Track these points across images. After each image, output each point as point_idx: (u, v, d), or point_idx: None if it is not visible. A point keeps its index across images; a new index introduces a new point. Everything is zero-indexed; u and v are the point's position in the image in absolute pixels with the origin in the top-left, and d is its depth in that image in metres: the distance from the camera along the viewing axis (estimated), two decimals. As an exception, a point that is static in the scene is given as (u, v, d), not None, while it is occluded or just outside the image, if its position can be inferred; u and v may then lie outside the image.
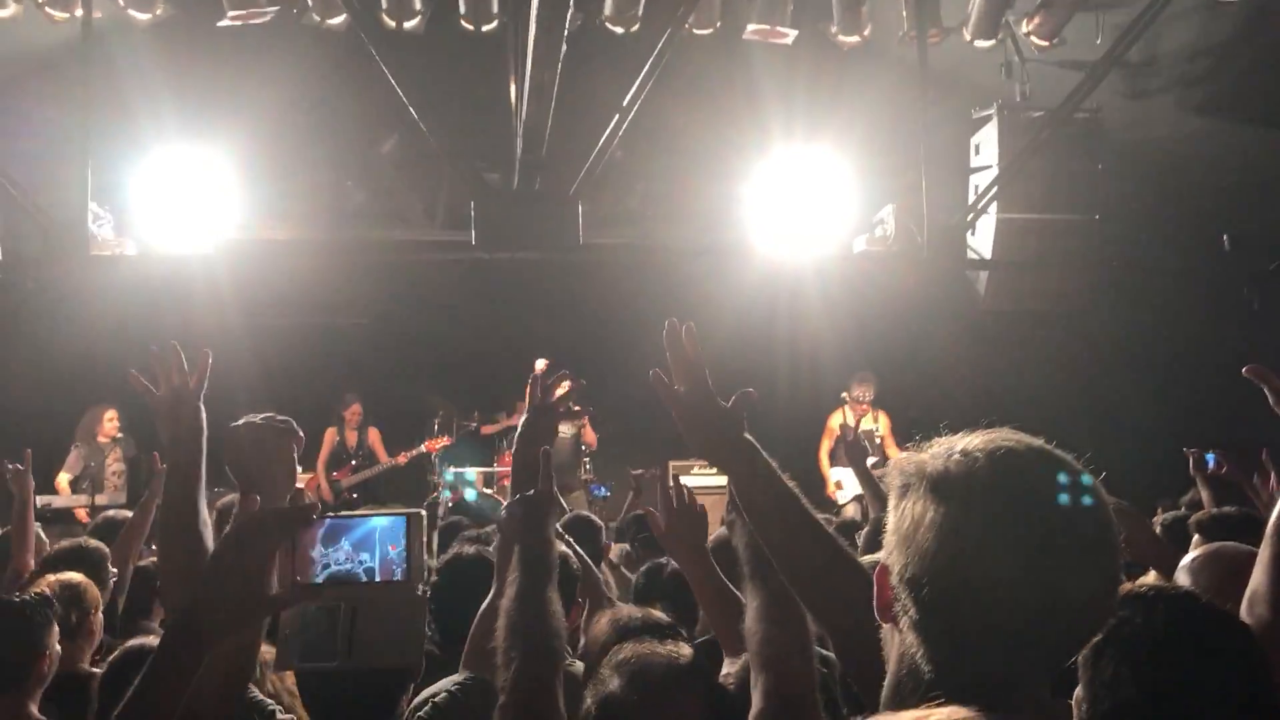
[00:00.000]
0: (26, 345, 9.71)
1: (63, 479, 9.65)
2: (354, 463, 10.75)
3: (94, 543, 4.67)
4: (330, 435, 10.68)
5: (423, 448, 10.59)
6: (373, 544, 1.62)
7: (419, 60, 8.09)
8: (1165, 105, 8.97)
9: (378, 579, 1.64)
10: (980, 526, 1.17)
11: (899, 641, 1.27)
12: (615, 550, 6.08)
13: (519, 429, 2.55)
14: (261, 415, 2.06)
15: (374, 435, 10.91)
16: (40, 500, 9.06)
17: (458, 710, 1.99)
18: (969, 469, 1.21)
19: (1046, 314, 9.67)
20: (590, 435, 10.97)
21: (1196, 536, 3.65)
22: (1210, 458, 5.12)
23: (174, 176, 8.26)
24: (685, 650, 1.87)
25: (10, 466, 5.10)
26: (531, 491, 2.38)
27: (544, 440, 2.36)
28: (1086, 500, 1.20)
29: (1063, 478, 1.21)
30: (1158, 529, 3.96)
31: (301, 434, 2.11)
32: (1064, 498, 1.19)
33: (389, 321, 11.41)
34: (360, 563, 1.65)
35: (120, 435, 9.94)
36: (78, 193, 7.92)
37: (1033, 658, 1.19)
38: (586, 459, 10.89)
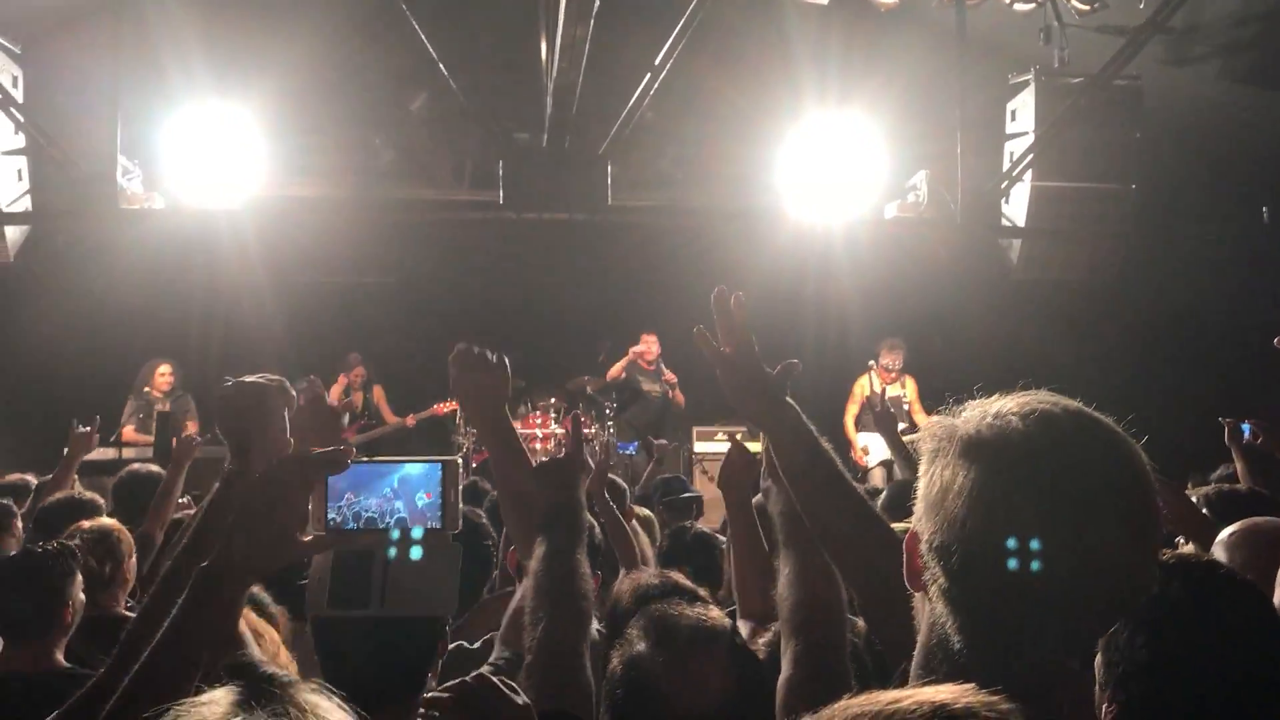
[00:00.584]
0: (58, 298, 9.76)
1: (129, 431, 9.80)
2: (361, 422, 10.78)
3: (88, 494, 4.73)
4: (336, 394, 10.70)
5: (433, 410, 10.61)
6: (408, 491, 1.60)
7: (449, 16, 8.03)
8: (1207, 73, 8.79)
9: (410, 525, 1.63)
10: (1013, 492, 1.12)
11: (929, 610, 1.23)
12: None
13: (541, 471, 2.38)
14: (254, 375, 2.01)
15: (378, 394, 10.95)
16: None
17: None
18: (1002, 432, 1.16)
19: (1079, 284, 9.54)
20: (680, 397, 10.99)
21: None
22: (1246, 428, 5.05)
23: (202, 131, 8.25)
24: (713, 612, 1.84)
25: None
26: (562, 454, 2.34)
27: (566, 485, 2.28)
28: (1124, 465, 1.16)
29: (1100, 441, 1.17)
30: (1198, 500, 3.89)
31: (294, 393, 2.06)
32: (1101, 462, 1.14)
33: (414, 281, 11.40)
34: (395, 510, 1.63)
35: (171, 389, 10.02)
36: (107, 146, 7.94)
37: (1065, 628, 1.15)
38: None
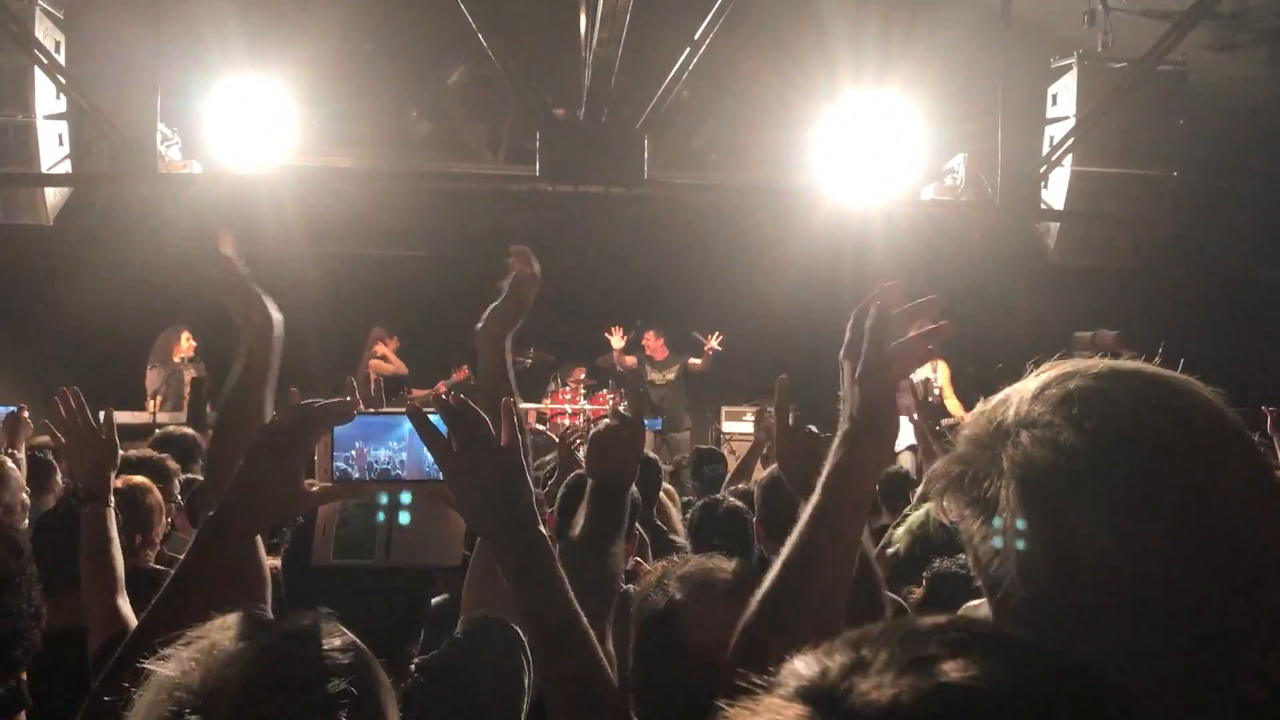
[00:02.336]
0: (96, 262, 9.86)
1: (155, 406, 9.93)
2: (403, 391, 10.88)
3: (159, 454, 4.74)
4: (377, 366, 10.79)
5: (457, 376, 10.65)
6: (415, 443, 1.60)
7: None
8: (1254, 59, 8.66)
9: (419, 479, 1.63)
10: (1106, 518, 0.91)
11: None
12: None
13: (597, 443, 2.31)
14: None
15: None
16: (102, 415, 9.31)
17: (475, 653, 1.93)
18: (1059, 446, 0.94)
19: (1118, 271, 9.45)
20: (699, 365, 11.00)
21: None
22: (1291, 416, 5.00)
23: (240, 100, 8.29)
24: (748, 567, 1.85)
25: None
26: (619, 423, 2.27)
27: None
28: (1219, 424, 0.97)
29: (1178, 417, 0.96)
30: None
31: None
32: (1190, 434, 0.94)
33: (447, 253, 11.43)
34: (401, 462, 1.63)
35: (194, 356, 10.13)
36: (147, 113, 7.99)
37: (1201, 637, 0.93)
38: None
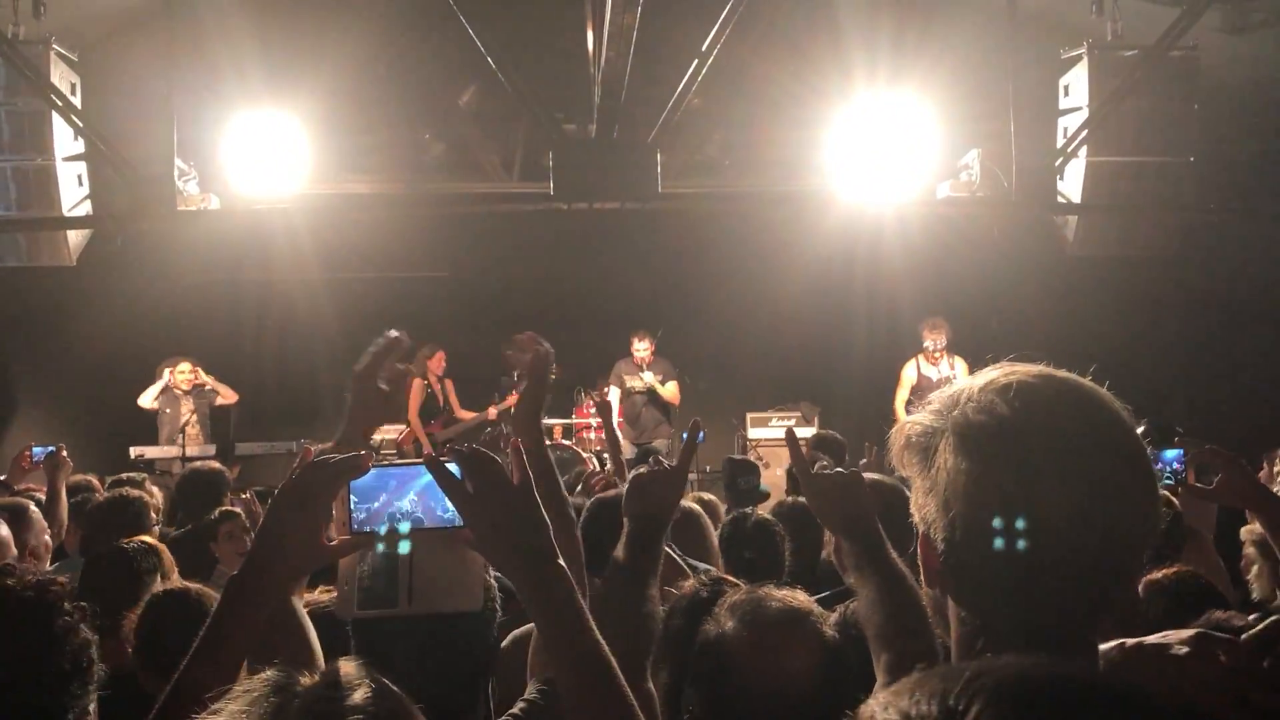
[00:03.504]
0: (118, 300, 9.96)
1: (144, 399, 10.17)
2: (444, 416, 10.87)
3: (134, 492, 4.83)
4: (419, 386, 10.78)
5: (509, 402, 10.65)
6: (435, 492, 1.63)
7: (497, 8, 8.06)
8: (1267, 42, 8.62)
9: (438, 525, 1.65)
10: (1011, 475, 1.14)
11: (954, 608, 1.25)
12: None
13: (638, 484, 2.23)
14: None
15: (449, 387, 11.01)
16: (134, 451, 9.43)
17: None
18: (990, 415, 1.17)
19: (1137, 260, 9.40)
20: (668, 393, 10.91)
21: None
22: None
23: (256, 132, 8.36)
24: (800, 595, 1.85)
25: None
26: (660, 467, 2.25)
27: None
28: (1108, 425, 1.18)
29: (1081, 406, 1.18)
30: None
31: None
32: (1085, 427, 1.16)
33: (466, 275, 11.47)
34: (423, 511, 1.65)
35: (194, 387, 10.23)
36: (164, 149, 8.06)
37: (1083, 597, 1.16)
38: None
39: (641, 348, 10.86)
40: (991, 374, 1.23)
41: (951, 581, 1.22)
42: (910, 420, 1.27)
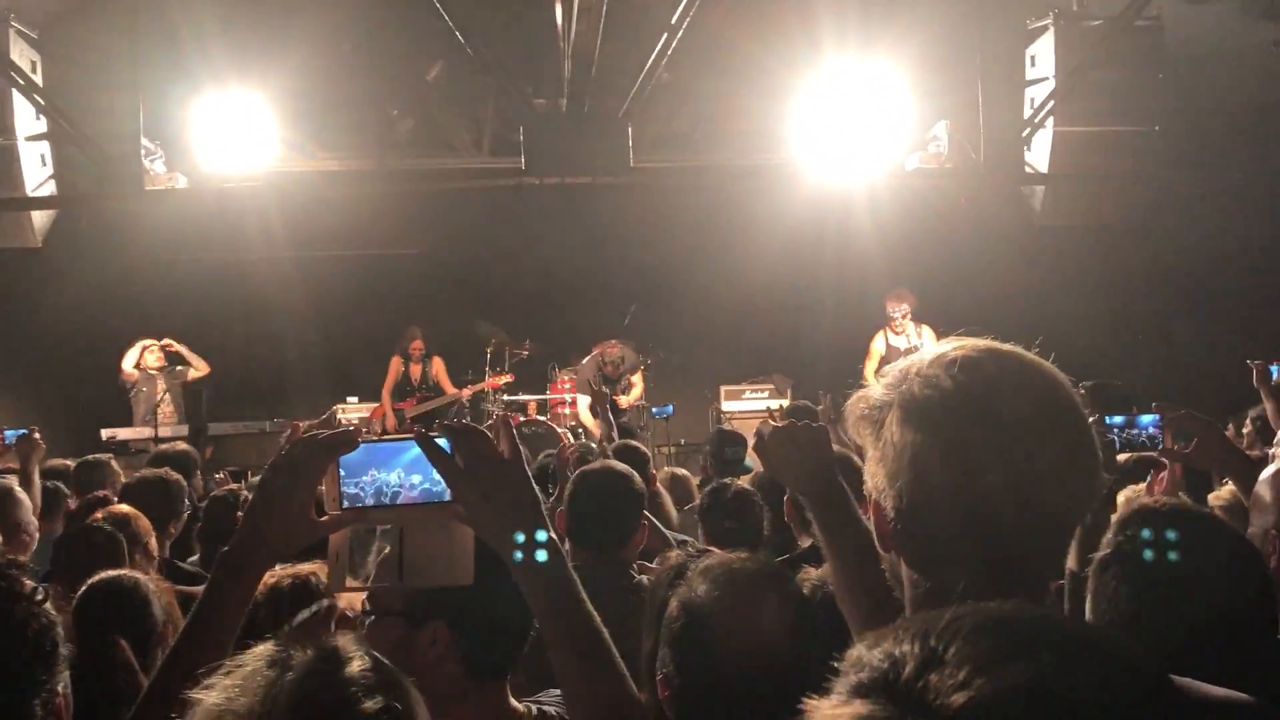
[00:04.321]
0: (84, 280, 9.86)
1: (126, 362, 10.14)
2: (419, 394, 10.82)
3: (174, 475, 4.79)
4: (395, 365, 10.74)
5: (485, 385, 10.63)
6: (425, 467, 1.64)
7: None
8: (1229, 12, 8.68)
9: (428, 500, 1.67)
10: (956, 443, 1.20)
11: (906, 571, 1.30)
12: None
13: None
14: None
15: (438, 365, 10.91)
16: (106, 433, 9.36)
17: None
18: (935, 388, 1.23)
19: (1104, 229, 9.50)
20: (622, 399, 10.82)
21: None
22: (1275, 369, 5.03)
23: (222, 108, 8.28)
24: (770, 561, 1.89)
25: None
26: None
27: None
28: (1049, 393, 1.23)
29: (1023, 377, 1.23)
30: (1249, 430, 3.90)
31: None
32: (1026, 396, 1.21)
33: (438, 251, 11.43)
34: (411, 485, 1.66)
35: (165, 366, 10.17)
36: (129, 128, 7.98)
37: (1031, 559, 1.22)
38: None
39: (612, 359, 10.77)
40: (941, 348, 1.28)
41: (902, 549, 1.27)
42: (862, 393, 1.32)
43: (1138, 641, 1.41)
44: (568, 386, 10.97)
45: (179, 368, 10.32)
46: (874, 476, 1.28)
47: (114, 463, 5.88)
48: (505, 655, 1.75)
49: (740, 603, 1.79)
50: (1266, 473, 2.68)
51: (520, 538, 1.57)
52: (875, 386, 1.30)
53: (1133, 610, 1.86)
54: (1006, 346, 1.27)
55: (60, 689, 1.78)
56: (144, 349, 10.19)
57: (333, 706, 1.19)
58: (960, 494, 1.19)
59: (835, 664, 0.80)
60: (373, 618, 1.97)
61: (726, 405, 10.97)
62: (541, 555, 1.56)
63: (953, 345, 1.27)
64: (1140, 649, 0.76)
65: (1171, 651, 1.74)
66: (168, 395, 10.10)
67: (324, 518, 1.63)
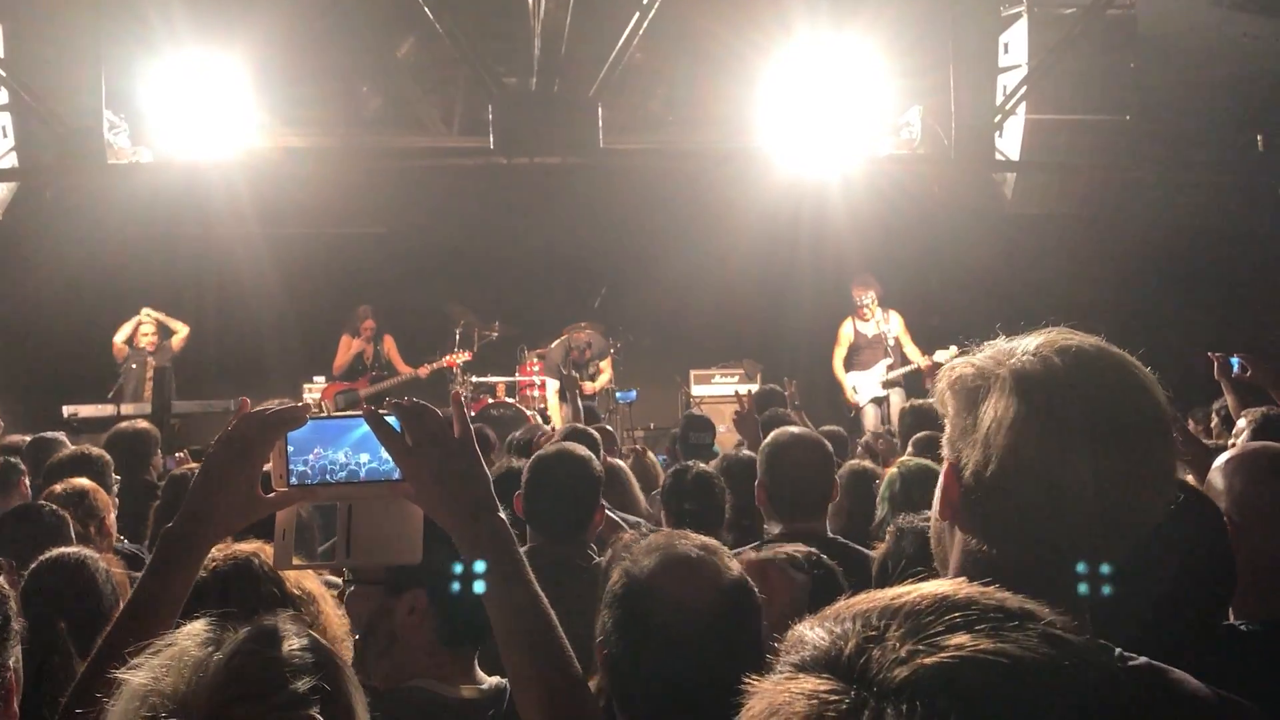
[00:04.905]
0: (46, 256, 9.72)
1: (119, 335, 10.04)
2: (372, 374, 10.74)
3: (97, 450, 4.72)
4: (345, 343, 10.66)
5: (444, 362, 10.57)
6: (372, 444, 1.61)
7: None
8: (1201, 2, 8.72)
9: (376, 478, 1.64)
10: (1065, 422, 1.24)
11: (960, 540, 1.33)
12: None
13: None
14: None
15: (389, 344, 10.84)
16: (67, 410, 9.25)
17: None
18: (1047, 368, 1.27)
19: (1075, 216, 9.53)
20: (586, 386, 10.78)
21: (1244, 435, 3.63)
22: (1235, 362, 5.06)
23: (188, 83, 8.17)
24: (710, 540, 1.91)
25: None
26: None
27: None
28: (1146, 394, 1.28)
29: (1126, 374, 1.29)
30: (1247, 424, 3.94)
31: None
32: (1129, 393, 1.27)
33: (407, 230, 11.35)
34: (360, 463, 1.64)
35: (158, 343, 10.07)
36: (92, 100, 7.86)
37: (1099, 547, 1.28)
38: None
39: (580, 344, 10.70)
40: (1050, 334, 1.33)
41: (968, 516, 1.31)
42: (962, 362, 1.36)
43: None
44: (536, 369, 10.93)
45: (166, 341, 10.22)
46: (956, 443, 1.33)
47: (67, 440, 5.81)
48: (480, 625, 1.74)
49: (676, 572, 1.81)
50: (1219, 460, 2.69)
51: (479, 520, 1.56)
52: (975, 357, 1.34)
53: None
54: (1113, 347, 1.33)
55: (11, 664, 1.74)
56: (137, 325, 10.08)
57: (260, 686, 1.15)
58: (1049, 471, 1.23)
59: (775, 643, 0.80)
60: (353, 586, 2.08)
61: (696, 390, 10.98)
62: (501, 539, 1.55)
63: (1060, 333, 1.33)
64: (1075, 622, 0.78)
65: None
66: (154, 373, 10.02)
67: (271, 494, 1.60)
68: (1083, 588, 1.30)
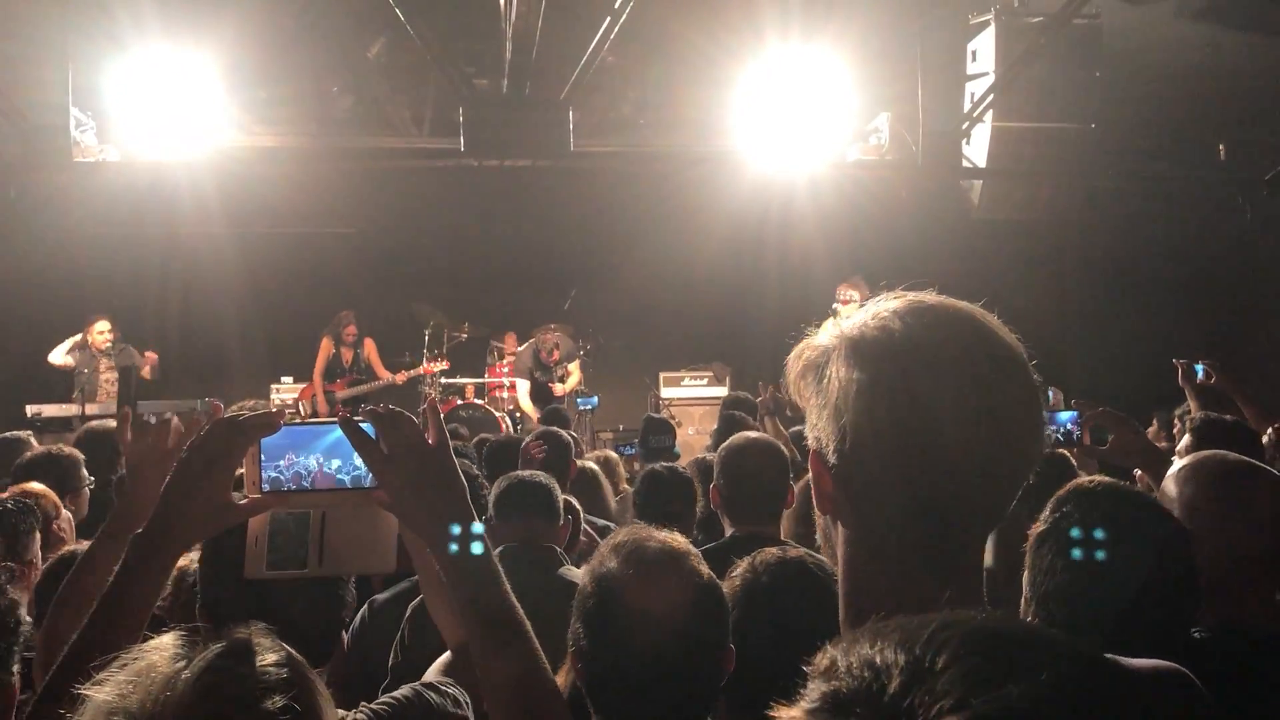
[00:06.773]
0: (10, 253, 9.61)
1: (55, 355, 9.82)
2: (350, 376, 10.69)
3: (68, 449, 4.65)
4: (326, 346, 10.60)
5: (420, 370, 10.53)
6: (344, 451, 1.61)
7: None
8: (1164, 12, 8.81)
9: (348, 486, 1.63)
10: (908, 382, 1.15)
11: (843, 532, 1.24)
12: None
13: None
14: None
15: (370, 347, 10.79)
16: (31, 410, 9.14)
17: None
18: (885, 329, 1.19)
19: (1040, 223, 9.63)
20: (574, 384, 10.81)
21: (1185, 440, 3.66)
22: (1199, 368, 5.10)
23: (156, 80, 8.10)
24: (679, 537, 1.93)
25: None
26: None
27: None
28: (996, 346, 1.20)
29: (971, 326, 1.20)
30: (1189, 426, 3.95)
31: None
32: (975, 345, 1.18)
33: (377, 231, 11.30)
34: (330, 470, 1.63)
35: (112, 345, 9.94)
36: (58, 97, 7.79)
37: (961, 513, 1.17)
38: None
39: (548, 346, 10.68)
40: (888, 299, 1.25)
41: (842, 499, 1.20)
42: (803, 344, 1.28)
43: (1072, 615, 1.44)
44: (506, 370, 10.92)
45: (128, 346, 10.09)
46: (814, 427, 1.23)
47: (33, 440, 5.73)
48: None
49: (645, 575, 1.82)
50: (1173, 468, 2.73)
51: (455, 529, 1.55)
52: (818, 335, 1.26)
53: (1065, 581, 1.95)
54: (955, 300, 1.24)
55: (16, 670, 1.72)
56: (90, 328, 9.93)
57: (229, 705, 1.12)
58: (903, 431, 1.14)
59: (805, 667, 0.73)
60: None
61: (666, 392, 11.00)
62: (477, 547, 1.55)
63: (897, 295, 1.25)
64: (1140, 672, 0.72)
65: (1103, 627, 1.84)
66: (113, 374, 9.89)
67: (244, 501, 1.59)
68: (988, 560, 1.22)
